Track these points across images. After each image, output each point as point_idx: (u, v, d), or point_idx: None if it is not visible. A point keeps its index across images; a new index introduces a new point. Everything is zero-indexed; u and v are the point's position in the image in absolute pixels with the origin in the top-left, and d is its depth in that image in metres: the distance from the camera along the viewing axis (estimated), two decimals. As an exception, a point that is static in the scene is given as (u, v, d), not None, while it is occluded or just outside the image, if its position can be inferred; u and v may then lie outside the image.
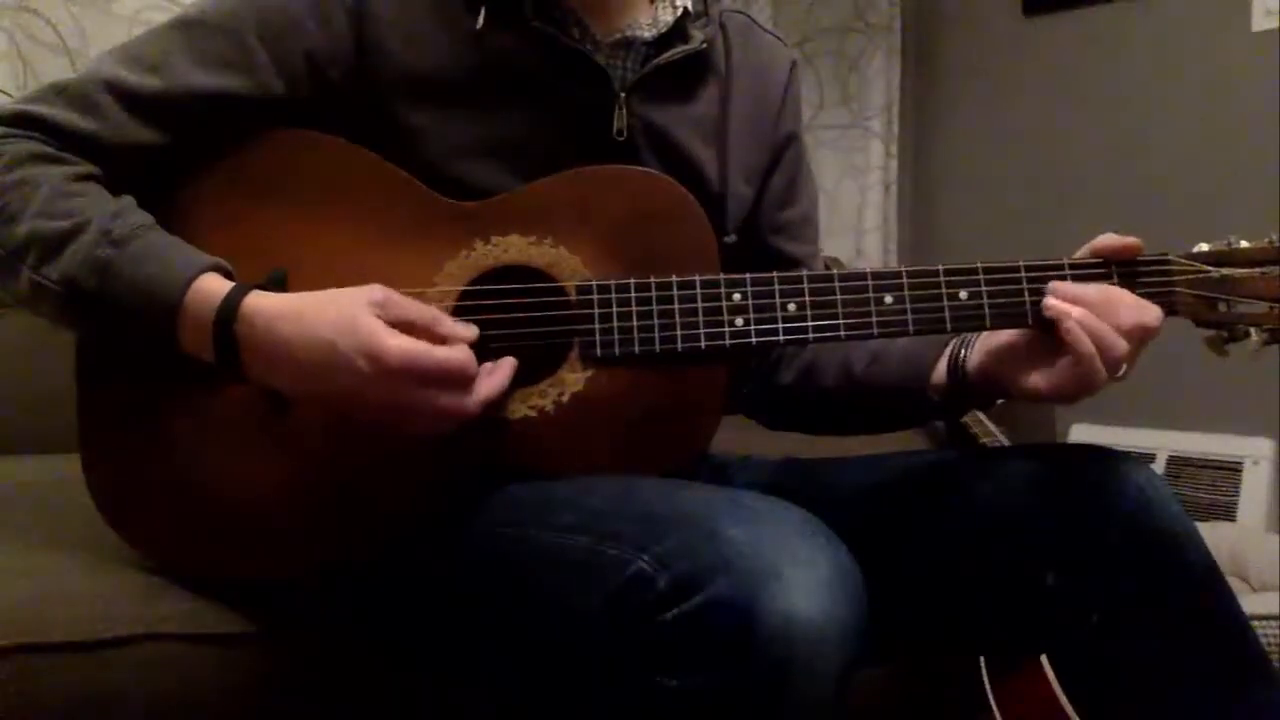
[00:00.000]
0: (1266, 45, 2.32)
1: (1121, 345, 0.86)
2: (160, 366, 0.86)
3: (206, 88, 0.89)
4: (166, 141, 0.89)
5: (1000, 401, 0.97)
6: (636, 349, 0.88)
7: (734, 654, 0.68)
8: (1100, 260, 0.91)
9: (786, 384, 1.11)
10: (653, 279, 0.89)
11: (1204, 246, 0.93)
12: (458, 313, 0.88)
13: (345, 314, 0.80)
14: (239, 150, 0.91)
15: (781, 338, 0.89)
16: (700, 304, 0.89)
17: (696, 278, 0.89)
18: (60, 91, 0.88)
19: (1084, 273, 0.91)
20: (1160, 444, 2.43)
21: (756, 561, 0.69)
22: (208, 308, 0.81)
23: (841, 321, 0.89)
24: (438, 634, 0.91)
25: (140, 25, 1.80)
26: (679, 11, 1.00)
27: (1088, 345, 0.85)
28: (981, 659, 1.40)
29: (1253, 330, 0.91)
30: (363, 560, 0.90)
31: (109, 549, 0.93)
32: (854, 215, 2.82)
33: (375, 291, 0.81)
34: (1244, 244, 0.92)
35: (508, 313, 0.89)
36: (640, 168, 0.95)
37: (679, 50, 0.99)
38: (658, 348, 0.88)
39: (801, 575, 0.69)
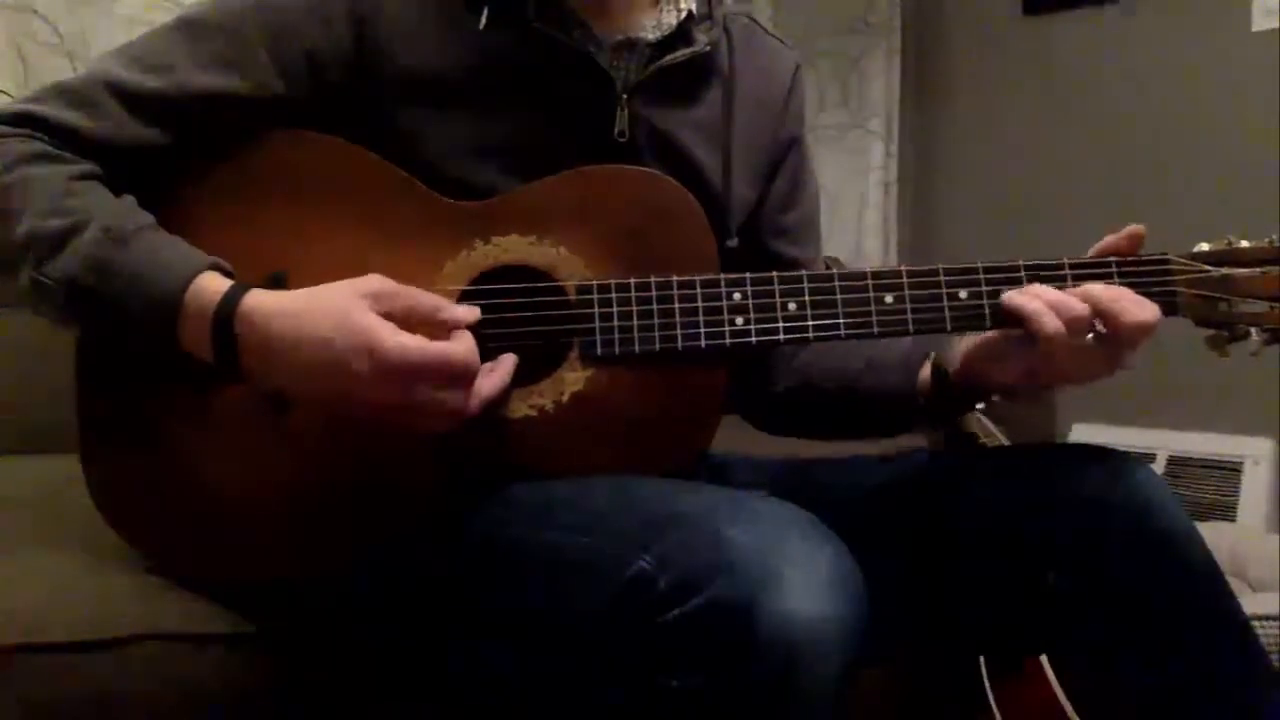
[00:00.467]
0: (1266, 45, 2.32)
1: (1079, 306, 0.85)
2: (160, 366, 0.86)
3: (207, 88, 0.89)
4: (167, 141, 0.89)
5: (995, 398, 0.97)
6: (637, 348, 0.88)
7: (734, 654, 0.68)
8: (1101, 260, 0.91)
9: (780, 391, 1.10)
10: (653, 278, 0.89)
11: (1204, 246, 0.93)
12: (457, 313, 0.88)
13: (341, 311, 0.79)
14: (239, 150, 0.91)
15: (782, 337, 0.89)
16: (700, 303, 0.89)
17: (697, 277, 0.89)
18: (61, 91, 0.88)
19: (1085, 272, 0.90)
20: (1160, 444, 2.43)
21: (757, 562, 0.69)
22: (207, 306, 0.81)
23: (842, 321, 0.89)
24: (438, 634, 0.91)
25: (141, 25, 1.78)
26: (683, 14, 0.99)
27: (1050, 318, 0.85)
28: (981, 659, 1.40)
29: (1253, 330, 0.91)
30: (363, 560, 0.90)
31: (109, 549, 0.92)
32: (854, 215, 2.82)
33: (371, 282, 0.81)
34: (1244, 244, 0.92)
35: (508, 312, 0.89)
36: (640, 168, 0.94)
37: (682, 52, 0.99)
38: (658, 347, 0.88)
39: (802, 576, 0.69)
